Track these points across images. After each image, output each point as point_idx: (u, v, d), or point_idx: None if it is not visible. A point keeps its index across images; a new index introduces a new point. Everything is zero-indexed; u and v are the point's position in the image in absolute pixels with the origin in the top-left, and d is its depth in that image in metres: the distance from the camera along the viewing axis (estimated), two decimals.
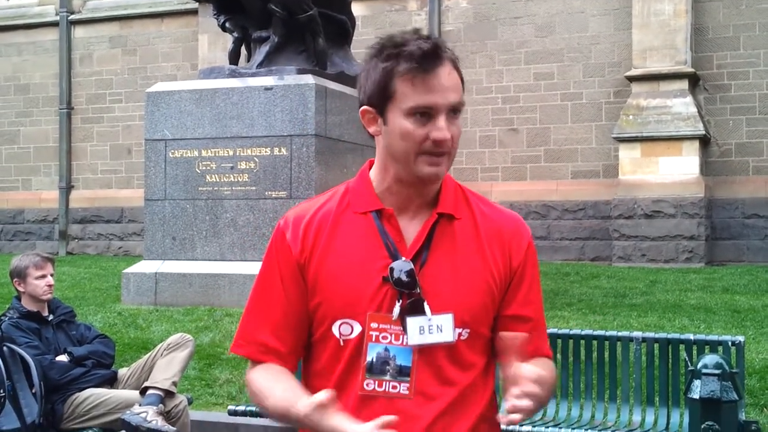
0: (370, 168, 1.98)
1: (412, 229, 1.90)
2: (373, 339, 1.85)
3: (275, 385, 1.87)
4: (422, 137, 1.82)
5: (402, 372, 1.85)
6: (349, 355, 1.87)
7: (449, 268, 1.87)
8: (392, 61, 1.82)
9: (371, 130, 1.91)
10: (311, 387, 1.90)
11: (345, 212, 1.93)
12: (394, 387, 1.85)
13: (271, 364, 1.92)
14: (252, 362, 1.96)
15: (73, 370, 4.93)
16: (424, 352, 1.85)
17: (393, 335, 1.85)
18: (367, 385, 1.86)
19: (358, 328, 1.86)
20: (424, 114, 1.82)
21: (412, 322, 1.83)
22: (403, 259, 1.85)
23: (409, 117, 1.82)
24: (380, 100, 1.85)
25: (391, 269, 1.84)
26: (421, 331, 1.83)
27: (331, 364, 1.90)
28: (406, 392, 1.85)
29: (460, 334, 1.86)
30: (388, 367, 1.85)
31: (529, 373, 1.74)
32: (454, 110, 1.84)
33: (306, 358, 1.97)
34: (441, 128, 1.82)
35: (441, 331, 1.83)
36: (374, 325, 1.85)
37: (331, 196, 1.97)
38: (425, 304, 1.83)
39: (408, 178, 1.88)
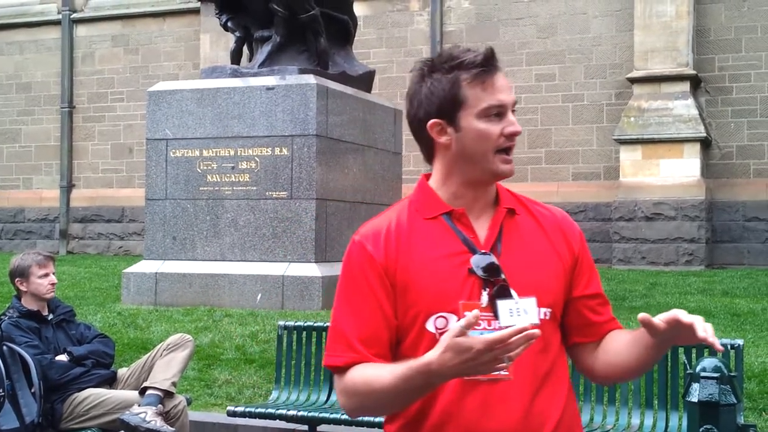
0: (426, 181, 2.12)
1: (480, 225, 2.05)
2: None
3: (379, 369, 1.92)
4: (498, 134, 2.01)
5: None
6: None
7: (523, 256, 2.03)
8: (456, 71, 1.99)
9: (442, 140, 2.03)
10: None
11: (415, 220, 2.06)
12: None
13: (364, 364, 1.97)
14: (341, 370, 2.00)
15: (72, 369, 4.93)
16: None
17: (485, 321, 1.94)
18: None
19: (453, 319, 1.94)
20: (497, 114, 2.01)
21: (502, 305, 1.94)
22: (482, 251, 2.00)
23: (482, 118, 2.00)
24: (450, 109, 2.00)
25: (474, 261, 1.98)
26: (511, 314, 1.93)
27: None
28: (507, 373, 1.91)
29: (544, 314, 2.01)
30: None
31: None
32: (513, 109, 2.05)
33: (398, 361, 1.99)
34: (513, 122, 2.03)
35: (527, 313, 1.94)
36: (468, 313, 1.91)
37: (398, 209, 2.09)
38: (511, 289, 1.97)
39: (482, 178, 2.04)
